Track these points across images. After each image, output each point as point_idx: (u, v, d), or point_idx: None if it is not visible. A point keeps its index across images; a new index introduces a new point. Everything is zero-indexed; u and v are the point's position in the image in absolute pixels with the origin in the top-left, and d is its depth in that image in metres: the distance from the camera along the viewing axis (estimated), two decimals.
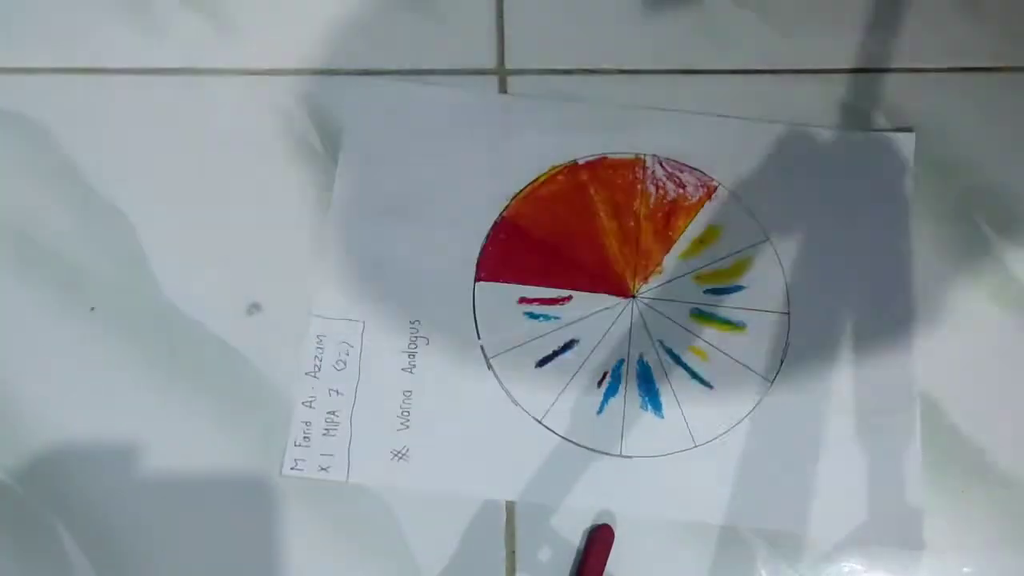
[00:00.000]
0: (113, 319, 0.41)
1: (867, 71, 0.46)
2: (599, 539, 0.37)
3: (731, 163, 0.43)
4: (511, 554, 0.37)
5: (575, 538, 0.38)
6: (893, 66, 0.46)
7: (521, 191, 0.43)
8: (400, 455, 0.38)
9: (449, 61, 0.46)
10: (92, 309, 0.40)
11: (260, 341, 0.40)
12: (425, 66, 0.46)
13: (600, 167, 0.44)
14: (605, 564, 0.37)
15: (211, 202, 0.43)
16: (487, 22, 0.47)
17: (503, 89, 0.45)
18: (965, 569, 0.37)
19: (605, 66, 0.45)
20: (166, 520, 0.38)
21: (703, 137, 0.43)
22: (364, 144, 0.44)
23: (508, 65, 0.46)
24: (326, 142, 0.44)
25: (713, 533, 0.38)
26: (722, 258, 0.42)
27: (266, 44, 0.46)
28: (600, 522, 0.38)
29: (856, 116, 0.45)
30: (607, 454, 0.39)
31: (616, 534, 0.37)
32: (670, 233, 0.43)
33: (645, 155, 0.44)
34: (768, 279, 0.42)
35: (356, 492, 0.38)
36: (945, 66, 0.46)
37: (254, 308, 0.41)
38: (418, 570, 0.37)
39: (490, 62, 0.46)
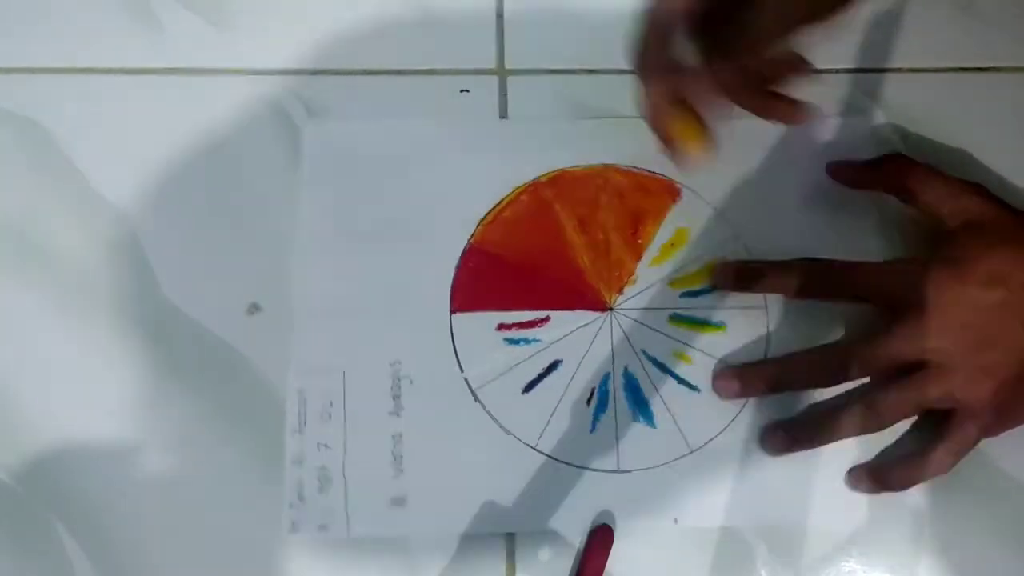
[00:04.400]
0: (112, 319, 0.41)
1: (867, 71, 0.46)
2: (599, 540, 0.37)
3: None
4: (511, 554, 0.37)
5: (575, 538, 0.38)
6: (893, 66, 0.46)
7: (486, 216, 0.43)
8: (399, 502, 0.38)
9: (449, 61, 0.46)
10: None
11: (260, 341, 0.40)
12: (425, 66, 0.46)
13: (562, 182, 0.43)
14: (605, 564, 0.37)
15: (211, 202, 0.43)
16: (487, 22, 0.47)
17: (503, 89, 0.45)
18: (965, 569, 0.37)
19: (605, 66, 0.45)
20: (166, 520, 0.38)
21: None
22: (322, 187, 0.42)
23: (508, 65, 0.46)
24: None
25: (713, 533, 0.38)
26: (693, 260, 0.42)
27: (266, 44, 0.46)
28: (600, 523, 0.38)
29: (856, 116, 0.45)
30: (604, 471, 0.38)
31: (615, 534, 0.37)
32: (639, 241, 0.42)
33: (605, 165, 0.44)
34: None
35: None
36: (945, 66, 0.46)
37: (254, 308, 0.41)
38: (418, 570, 0.37)
39: (490, 62, 0.46)
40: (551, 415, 0.39)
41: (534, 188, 0.43)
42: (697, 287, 0.42)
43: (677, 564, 0.37)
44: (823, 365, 0.38)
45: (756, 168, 0.43)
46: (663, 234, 0.43)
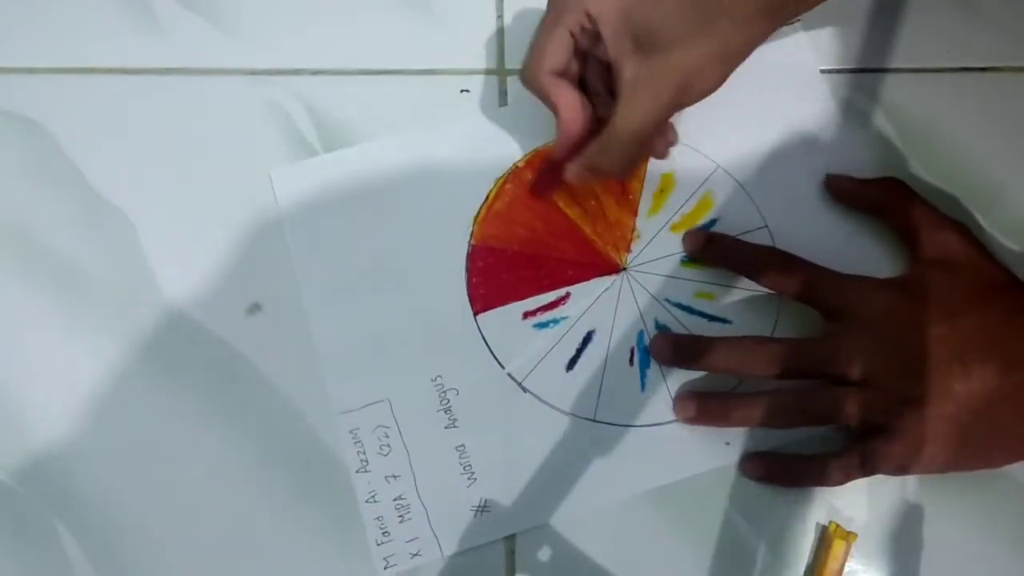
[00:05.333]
0: (112, 319, 0.41)
1: (867, 71, 0.46)
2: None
3: None
4: (511, 554, 0.37)
5: (575, 538, 0.38)
6: (893, 66, 0.46)
7: (478, 214, 0.43)
8: (481, 509, 0.38)
9: (449, 61, 0.46)
10: None
11: (260, 341, 0.40)
12: (425, 66, 0.46)
13: (539, 161, 0.44)
14: None
15: (211, 202, 0.43)
16: (487, 22, 0.47)
17: (503, 88, 0.45)
18: (965, 569, 0.37)
19: None
20: (167, 520, 0.38)
21: None
22: (308, 227, 0.42)
23: (508, 65, 0.46)
24: (326, 142, 0.44)
25: (713, 533, 0.38)
26: (686, 200, 0.43)
27: (266, 44, 0.46)
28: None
29: (856, 116, 0.45)
30: (667, 423, 0.39)
31: (612, 533, 0.37)
32: (630, 197, 0.43)
33: None
34: (735, 203, 0.43)
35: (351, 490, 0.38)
36: (945, 66, 0.46)
37: (254, 308, 0.41)
38: (417, 569, 0.37)
39: (490, 62, 0.46)
40: (600, 385, 0.40)
41: (515, 174, 0.43)
42: (697, 225, 0.42)
43: (676, 563, 0.37)
44: (753, 351, 0.38)
45: (718, 98, 0.44)
46: (650, 184, 0.43)
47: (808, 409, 0.37)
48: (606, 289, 0.41)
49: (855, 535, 0.37)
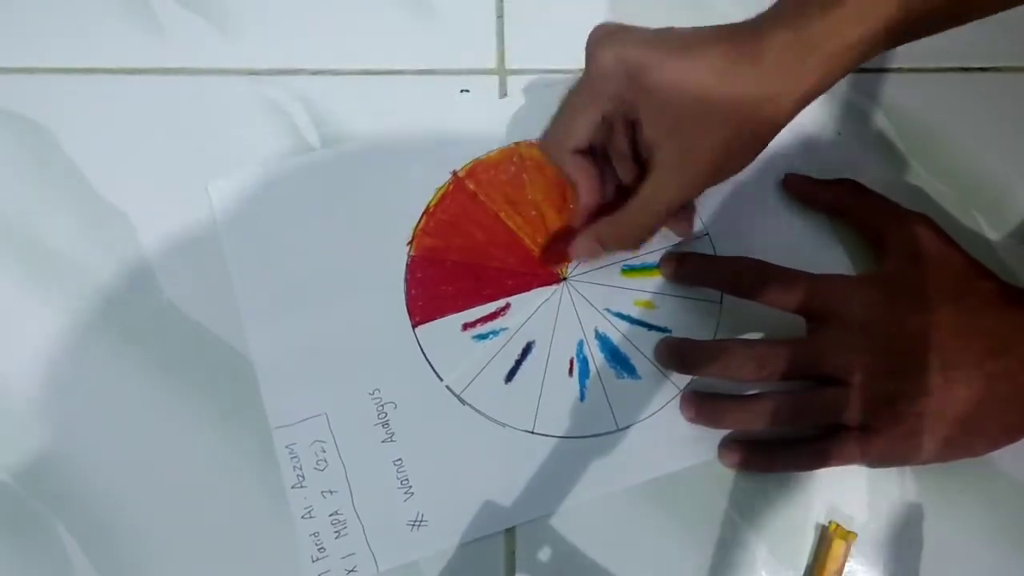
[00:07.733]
0: (113, 319, 0.41)
1: (867, 71, 0.46)
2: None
3: None
4: (511, 554, 0.37)
5: (575, 538, 0.38)
6: (893, 66, 0.46)
7: (418, 224, 0.42)
8: (417, 524, 0.37)
9: (449, 61, 0.46)
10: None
11: None
12: (425, 66, 0.46)
13: (479, 171, 0.43)
14: None
15: (211, 201, 0.43)
16: (487, 22, 0.47)
17: (503, 89, 0.45)
18: (965, 569, 0.37)
19: None
20: (166, 520, 0.38)
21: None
22: (246, 237, 0.42)
23: (508, 65, 0.46)
24: (325, 142, 0.44)
25: (713, 533, 0.38)
26: None
27: (266, 44, 0.46)
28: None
29: (856, 116, 0.45)
30: (605, 434, 0.39)
31: (613, 534, 0.37)
32: (571, 206, 0.43)
33: (516, 143, 0.44)
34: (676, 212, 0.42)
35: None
36: (945, 66, 0.46)
37: None
38: (418, 570, 0.37)
39: (490, 62, 0.46)
40: (539, 396, 0.39)
41: (456, 184, 0.43)
42: None
43: (677, 563, 0.37)
44: (740, 355, 0.37)
45: None
46: None
47: (803, 411, 0.37)
48: (546, 300, 0.41)
49: (855, 535, 0.37)
